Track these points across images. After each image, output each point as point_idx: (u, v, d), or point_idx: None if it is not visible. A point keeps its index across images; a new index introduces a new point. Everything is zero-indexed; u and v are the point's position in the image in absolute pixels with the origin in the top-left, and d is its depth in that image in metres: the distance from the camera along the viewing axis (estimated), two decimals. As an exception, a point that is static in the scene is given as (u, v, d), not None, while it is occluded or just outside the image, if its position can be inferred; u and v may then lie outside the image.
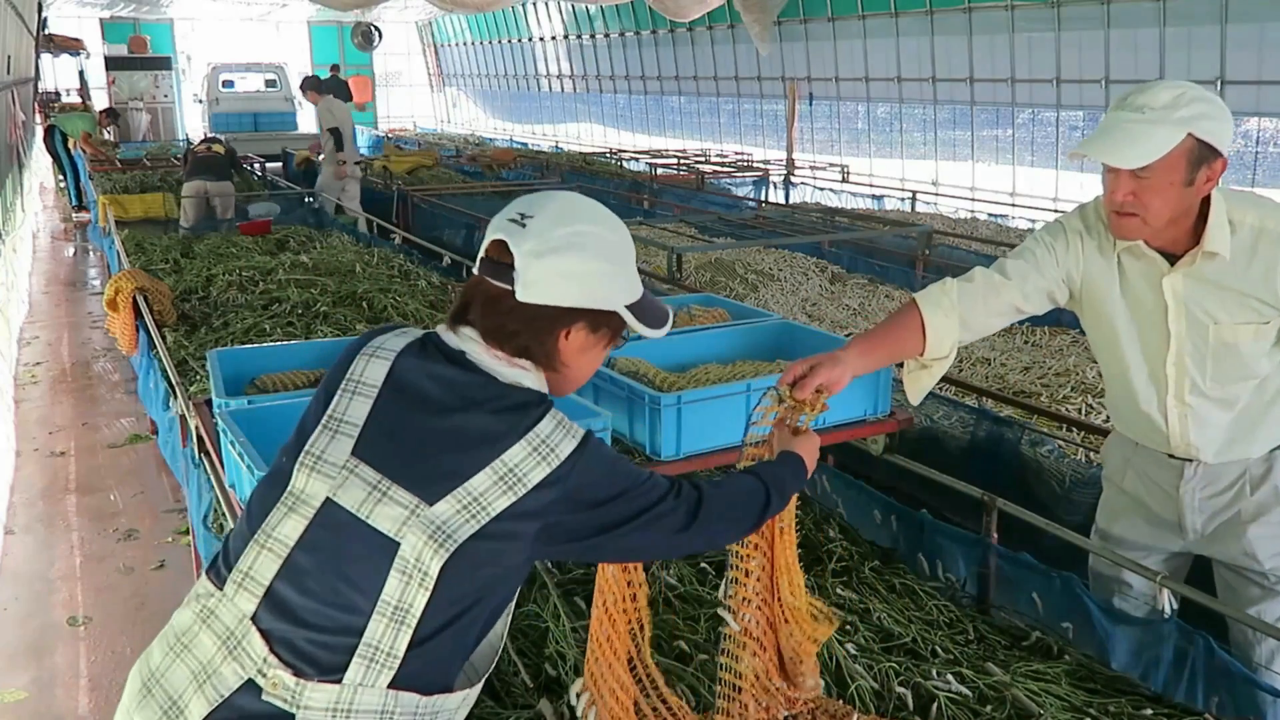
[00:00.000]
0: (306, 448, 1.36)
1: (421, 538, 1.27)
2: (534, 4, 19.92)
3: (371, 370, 1.39)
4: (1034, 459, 3.39)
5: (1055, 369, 4.33)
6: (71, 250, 12.04)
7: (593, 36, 19.18)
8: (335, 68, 21.55)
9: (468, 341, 1.40)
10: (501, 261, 1.37)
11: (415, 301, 5.07)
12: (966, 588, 2.57)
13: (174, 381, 3.73)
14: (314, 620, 1.28)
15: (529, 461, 1.30)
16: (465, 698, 1.39)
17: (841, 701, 1.94)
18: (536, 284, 1.35)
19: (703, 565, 2.52)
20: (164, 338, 4.45)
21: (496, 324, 1.39)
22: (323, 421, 1.38)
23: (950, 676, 2.03)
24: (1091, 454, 3.41)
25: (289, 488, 1.35)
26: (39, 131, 15.72)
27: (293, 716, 1.26)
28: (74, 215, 13.66)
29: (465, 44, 24.88)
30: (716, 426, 2.56)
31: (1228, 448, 2.18)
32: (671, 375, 2.68)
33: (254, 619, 1.30)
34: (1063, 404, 3.88)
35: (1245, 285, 2.05)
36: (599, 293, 1.39)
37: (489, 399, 1.35)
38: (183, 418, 3.44)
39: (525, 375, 1.40)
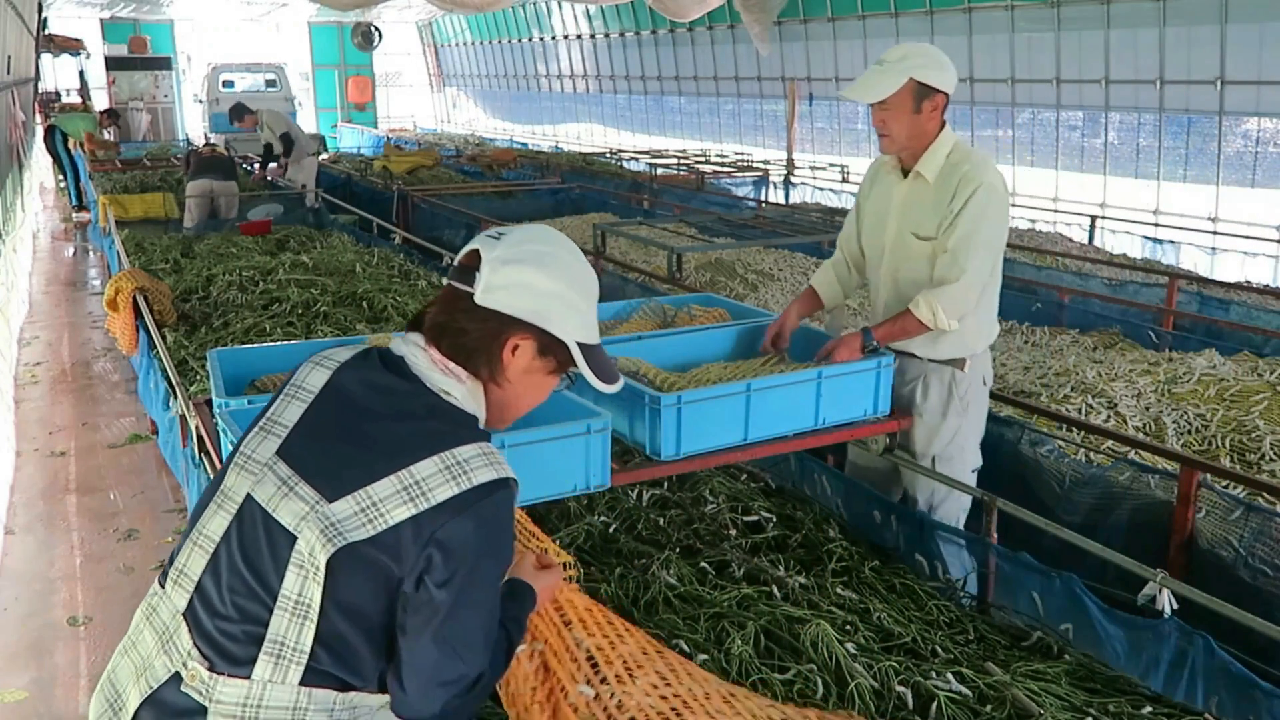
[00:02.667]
0: (241, 448, 1.41)
1: (315, 531, 1.28)
2: (534, 4, 19.92)
3: (313, 377, 1.43)
4: (1034, 459, 3.39)
5: (1055, 369, 4.32)
6: (71, 250, 12.04)
7: (593, 37, 19.18)
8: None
9: (409, 346, 1.43)
10: (469, 266, 1.42)
11: (415, 301, 5.07)
12: (966, 588, 2.57)
13: (174, 381, 3.74)
14: (224, 611, 1.31)
15: (438, 478, 1.30)
16: (387, 701, 1.37)
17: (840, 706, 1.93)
18: (496, 289, 1.39)
19: (703, 565, 2.53)
20: (164, 338, 4.45)
21: (448, 320, 1.42)
22: (260, 424, 1.42)
23: (950, 676, 2.03)
24: (1091, 454, 3.41)
25: (221, 486, 1.40)
26: (39, 131, 15.72)
27: (205, 711, 1.29)
28: (74, 215, 13.65)
29: (465, 44, 24.86)
30: (716, 427, 2.56)
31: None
32: (671, 375, 2.68)
33: (184, 614, 1.34)
34: (1063, 404, 3.87)
35: (935, 206, 2.72)
36: (553, 314, 1.42)
37: (417, 408, 1.37)
38: (183, 418, 3.45)
39: (454, 385, 1.41)
